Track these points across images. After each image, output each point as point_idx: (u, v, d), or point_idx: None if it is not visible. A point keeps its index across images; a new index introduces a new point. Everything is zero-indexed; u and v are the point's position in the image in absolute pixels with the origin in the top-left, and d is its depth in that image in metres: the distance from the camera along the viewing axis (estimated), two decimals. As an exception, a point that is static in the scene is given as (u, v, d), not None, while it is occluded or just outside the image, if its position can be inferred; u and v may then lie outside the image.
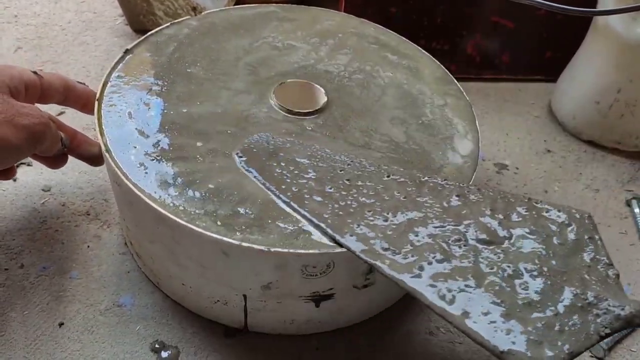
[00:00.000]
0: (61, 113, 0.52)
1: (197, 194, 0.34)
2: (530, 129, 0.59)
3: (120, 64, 0.42)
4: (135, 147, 0.36)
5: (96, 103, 0.38)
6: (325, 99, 0.42)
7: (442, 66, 0.47)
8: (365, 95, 0.43)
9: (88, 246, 0.42)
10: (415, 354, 0.39)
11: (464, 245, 0.31)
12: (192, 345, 0.37)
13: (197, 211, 0.33)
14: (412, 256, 0.30)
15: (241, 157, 0.36)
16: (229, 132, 0.38)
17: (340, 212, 0.33)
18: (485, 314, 0.28)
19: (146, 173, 0.35)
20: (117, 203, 0.41)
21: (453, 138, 0.41)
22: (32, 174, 0.47)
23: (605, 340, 0.39)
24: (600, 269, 0.30)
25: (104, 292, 0.40)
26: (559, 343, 0.27)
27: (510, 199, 0.34)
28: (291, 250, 0.31)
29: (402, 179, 0.35)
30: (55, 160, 0.41)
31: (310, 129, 0.39)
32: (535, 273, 0.30)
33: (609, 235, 0.48)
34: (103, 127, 0.37)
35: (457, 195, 0.34)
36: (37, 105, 0.38)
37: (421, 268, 0.30)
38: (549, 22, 0.61)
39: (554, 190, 0.52)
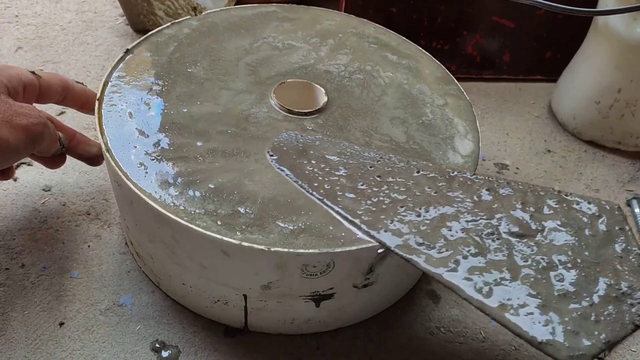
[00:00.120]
0: (61, 113, 0.53)
1: (198, 194, 0.34)
2: (531, 129, 0.59)
3: (121, 64, 0.42)
4: (135, 147, 0.36)
5: (97, 103, 0.38)
6: (326, 99, 0.42)
7: (442, 66, 0.47)
8: (366, 95, 0.43)
9: (88, 246, 0.43)
10: (415, 354, 0.39)
11: (498, 239, 0.32)
12: (192, 345, 0.37)
13: (197, 211, 0.33)
14: (447, 250, 0.31)
15: (272, 155, 0.37)
16: (229, 132, 0.38)
17: (374, 209, 0.34)
18: (522, 305, 0.29)
19: (146, 173, 0.35)
20: (118, 203, 0.41)
21: (453, 138, 0.41)
22: (32, 174, 0.47)
23: (597, 355, 0.40)
24: (632, 260, 0.31)
25: (105, 291, 0.40)
26: (596, 333, 0.28)
27: (540, 192, 0.34)
28: (291, 250, 0.31)
29: (432, 174, 0.36)
30: (53, 161, 0.41)
31: (310, 129, 0.39)
32: (569, 265, 0.31)
33: (609, 235, 0.48)
34: (103, 126, 0.37)
35: (487, 190, 0.34)
36: (36, 105, 0.38)
37: (456, 262, 0.30)
38: (549, 22, 0.61)
39: (554, 190, 0.52)
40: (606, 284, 0.30)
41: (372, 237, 0.32)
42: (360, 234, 0.32)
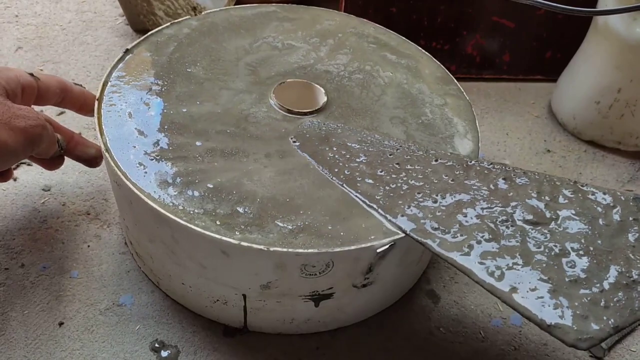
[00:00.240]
0: (61, 113, 0.53)
1: (197, 194, 0.34)
2: (531, 129, 0.59)
3: (121, 64, 0.42)
4: (135, 147, 0.36)
5: (96, 103, 0.38)
6: (325, 98, 0.42)
7: (442, 66, 0.47)
8: (365, 95, 0.43)
9: (88, 246, 0.43)
10: (415, 354, 0.39)
11: (512, 226, 0.32)
12: (191, 345, 0.37)
13: (196, 211, 0.33)
14: (461, 235, 0.32)
15: (295, 141, 0.38)
16: (228, 131, 0.38)
17: (392, 194, 0.35)
18: (533, 289, 0.29)
19: (146, 173, 0.35)
20: (117, 203, 0.41)
21: (453, 138, 0.41)
22: (32, 174, 0.47)
23: (605, 340, 0.40)
24: None
25: (104, 291, 0.40)
26: (605, 318, 0.28)
27: (556, 182, 0.35)
28: (290, 250, 0.31)
29: (449, 163, 0.36)
30: (52, 162, 0.41)
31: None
32: (581, 252, 0.31)
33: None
34: (103, 126, 0.37)
35: (503, 179, 0.35)
36: (34, 107, 0.38)
37: (470, 247, 0.31)
38: (549, 22, 0.61)
39: (554, 190, 0.52)
40: (617, 272, 0.30)
41: (389, 221, 0.33)
42: (378, 217, 0.33)
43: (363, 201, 0.34)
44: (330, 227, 0.33)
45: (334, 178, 0.36)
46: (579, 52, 0.57)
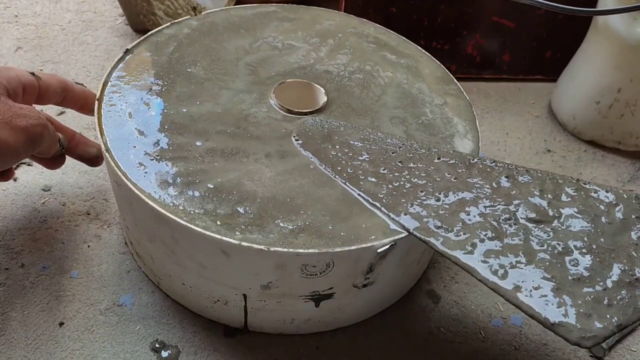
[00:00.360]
0: (61, 113, 0.53)
1: (197, 194, 0.34)
2: (531, 129, 0.59)
3: (121, 64, 0.42)
4: (135, 147, 0.36)
5: (96, 103, 0.38)
6: (325, 98, 0.42)
7: (442, 66, 0.47)
8: (365, 94, 0.43)
9: (88, 246, 0.43)
10: (415, 354, 0.39)
11: (515, 224, 0.32)
12: (192, 345, 0.37)
13: (196, 211, 0.33)
14: (464, 234, 0.32)
15: (297, 139, 0.38)
16: (228, 131, 0.38)
17: (394, 192, 0.35)
18: (537, 288, 0.29)
19: (146, 173, 0.35)
20: (117, 203, 0.41)
21: (453, 137, 0.41)
22: (32, 174, 0.47)
23: (608, 338, 0.40)
24: None
25: (104, 291, 0.40)
26: (608, 316, 0.28)
27: (559, 180, 0.35)
28: (291, 250, 0.31)
29: (452, 161, 0.37)
30: (53, 161, 0.41)
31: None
32: (584, 250, 0.31)
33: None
34: (103, 126, 0.37)
35: (506, 177, 0.35)
36: (35, 106, 0.38)
37: (473, 245, 0.31)
38: (549, 22, 0.61)
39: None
40: (620, 270, 0.30)
41: (392, 219, 0.33)
42: (381, 215, 0.34)
43: (366, 199, 0.34)
44: (330, 227, 0.33)
45: (336, 176, 0.36)
46: (579, 52, 0.57)
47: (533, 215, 0.33)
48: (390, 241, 0.32)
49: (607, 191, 0.34)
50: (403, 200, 0.34)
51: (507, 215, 0.33)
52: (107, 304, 0.39)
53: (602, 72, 0.53)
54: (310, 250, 0.31)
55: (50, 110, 0.51)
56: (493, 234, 0.32)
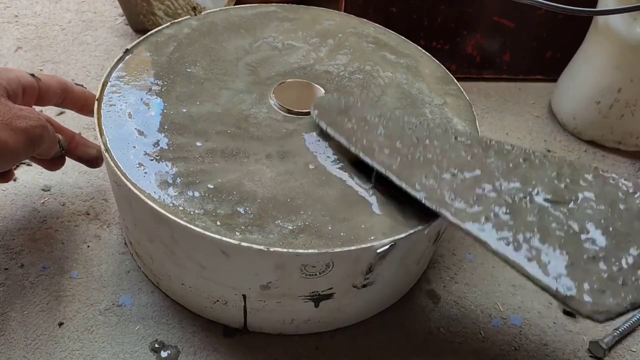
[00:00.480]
0: (61, 113, 0.53)
1: (197, 194, 0.34)
2: (531, 129, 0.59)
3: (120, 64, 0.42)
4: (134, 147, 0.36)
5: (96, 103, 0.38)
6: (325, 98, 0.42)
7: (442, 66, 0.47)
8: (365, 95, 0.43)
9: (88, 246, 0.42)
10: (415, 354, 0.39)
11: (530, 203, 0.32)
12: (191, 345, 0.37)
13: (196, 211, 0.33)
14: (478, 207, 0.32)
15: (314, 110, 0.39)
16: (228, 132, 0.38)
17: (409, 165, 0.35)
18: (550, 262, 0.29)
19: (145, 173, 0.35)
20: (117, 203, 0.41)
21: (453, 138, 0.40)
22: (32, 174, 0.47)
23: (605, 340, 0.40)
24: None
25: (104, 291, 0.40)
26: (622, 294, 0.28)
27: (576, 167, 0.35)
28: (290, 250, 0.31)
29: (468, 142, 0.36)
30: (53, 163, 0.41)
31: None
32: (600, 231, 0.31)
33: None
34: (102, 127, 0.37)
35: (523, 159, 0.35)
36: (34, 107, 0.38)
37: (487, 218, 0.31)
38: (549, 22, 0.61)
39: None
40: (637, 253, 0.30)
41: (405, 189, 0.33)
42: (396, 181, 0.34)
43: (379, 170, 0.35)
44: (330, 228, 0.33)
45: (350, 146, 0.36)
46: (579, 52, 0.57)
47: (549, 196, 0.32)
48: (389, 241, 0.32)
49: (625, 180, 0.34)
50: (417, 172, 0.34)
51: (523, 194, 0.32)
52: (106, 304, 0.39)
53: (602, 72, 0.53)
54: (309, 251, 0.31)
55: (49, 110, 0.51)
56: (508, 210, 0.31)
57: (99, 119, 0.38)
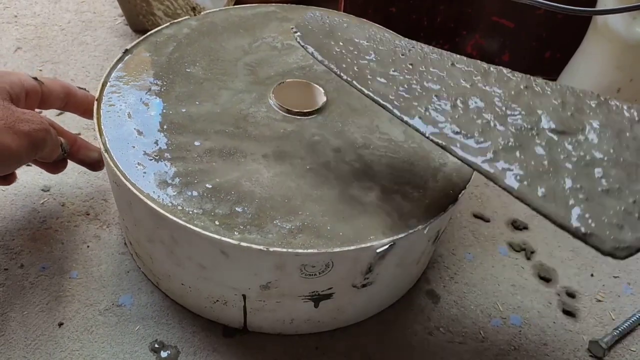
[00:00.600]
0: (60, 114, 0.53)
1: (195, 194, 0.34)
2: (530, 129, 0.59)
3: (120, 64, 0.42)
4: (134, 147, 0.36)
5: (95, 103, 0.38)
6: (325, 98, 0.42)
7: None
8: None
9: (88, 246, 0.42)
10: (415, 354, 0.39)
11: (537, 134, 0.31)
12: (191, 345, 0.37)
13: (195, 211, 0.33)
14: (485, 141, 0.30)
15: (296, 32, 0.35)
16: (227, 131, 0.38)
17: (407, 95, 0.32)
18: (565, 197, 0.28)
19: (145, 173, 0.35)
20: (117, 203, 0.41)
21: (452, 137, 0.40)
22: (31, 174, 0.47)
23: (604, 340, 0.40)
24: None
25: (104, 292, 0.40)
26: None
27: (579, 94, 0.33)
28: (290, 250, 0.31)
29: (466, 68, 0.34)
30: (55, 166, 0.41)
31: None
32: (611, 163, 0.30)
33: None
34: (102, 127, 0.37)
35: (525, 86, 0.33)
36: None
37: (495, 153, 0.29)
38: (549, 22, 0.61)
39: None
40: None
41: (406, 122, 0.31)
42: (395, 113, 0.31)
43: (375, 100, 0.32)
44: (329, 227, 0.33)
45: (342, 74, 0.33)
46: (579, 51, 0.57)
47: (556, 126, 0.31)
48: (389, 241, 0.32)
49: (629, 107, 0.32)
50: (416, 104, 0.32)
51: (529, 125, 0.31)
52: (106, 304, 0.39)
53: (602, 72, 0.53)
54: (309, 251, 0.31)
55: (48, 111, 0.51)
56: (516, 143, 0.30)
57: (98, 119, 0.38)
